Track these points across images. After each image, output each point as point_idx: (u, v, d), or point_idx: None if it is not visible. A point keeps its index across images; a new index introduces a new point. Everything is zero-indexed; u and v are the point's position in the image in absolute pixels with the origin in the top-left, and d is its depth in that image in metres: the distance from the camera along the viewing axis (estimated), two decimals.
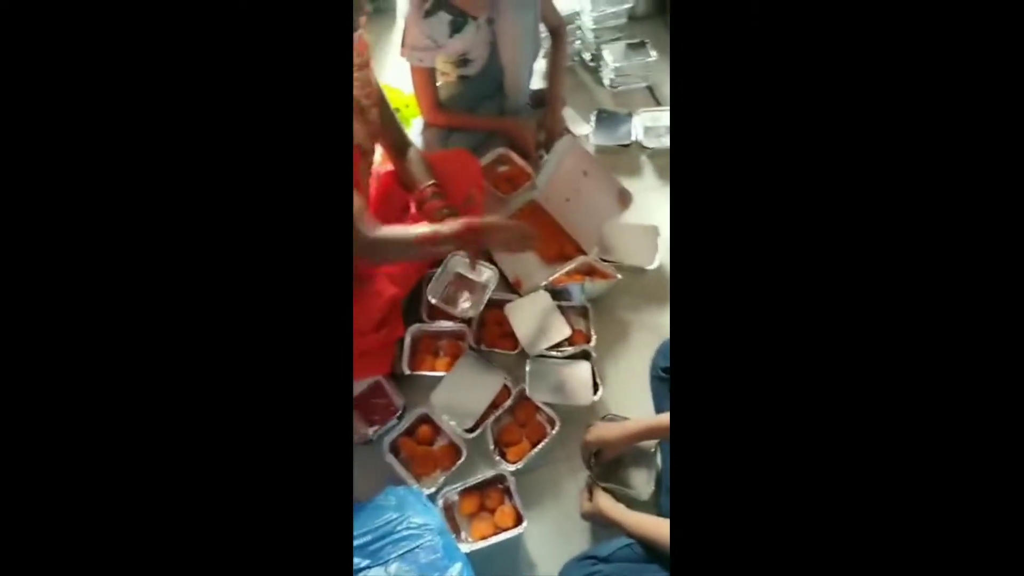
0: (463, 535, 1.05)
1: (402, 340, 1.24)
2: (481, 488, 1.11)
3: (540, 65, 1.66)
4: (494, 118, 1.59)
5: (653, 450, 1.13)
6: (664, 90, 1.83)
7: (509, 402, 1.19)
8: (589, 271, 1.36)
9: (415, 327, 1.27)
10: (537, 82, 1.66)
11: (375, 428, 1.16)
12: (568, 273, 1.34)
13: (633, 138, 1.65)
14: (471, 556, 0.94)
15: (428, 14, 1.33)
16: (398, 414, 1.18)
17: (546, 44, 1.64)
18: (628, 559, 0.91)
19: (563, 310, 1.29)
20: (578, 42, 1.88)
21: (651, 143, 1.64)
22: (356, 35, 1.01)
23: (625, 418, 1.12)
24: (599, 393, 1.20)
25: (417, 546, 0.87)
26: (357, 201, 0.98)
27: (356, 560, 0.85)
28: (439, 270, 1.28)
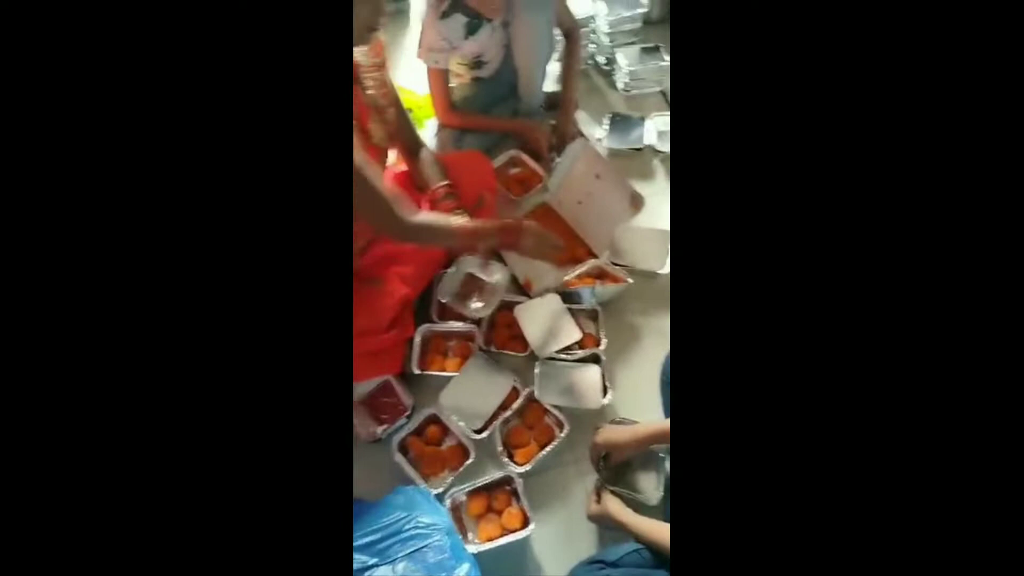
0: (470, 536, 1.05)
1: (412, 340, 1.24)
2: (489, 489, 1.10)
3: (554, 68, 1.66)
4: (507, 120, 1.59)
5: (663, 455, 1.12)
6: None
7: (518, 404, 1.19)
8: (600, 274, 1.36)
9: (425, 327, 1.27)
10: (551, 85, 1.66)
11: (384, 427, 1.16)
12: (579, 276, 1.34)
13: (646, 142, 1.65)
14: (477, 557, 0.94)
15: (444, 16, 1.34)
16: (407, 413, 1.18)
17: (560, 47, 1.64)
18: (636, 564, 0.90)
19: (573, 313, 1.28)
20: (592, 46, 1.88)
21: (664, 147, 1.64)
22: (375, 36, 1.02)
23: (634, 422, 1.11)
24: (608, 397, 1.20)
25: (425, 545, 0.87)
26: (394, 189, 1.02)
27: (364, 558, 0.86)
28: (451, 270, 1.28)
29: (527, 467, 1.11)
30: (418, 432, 1.17)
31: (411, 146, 1.26)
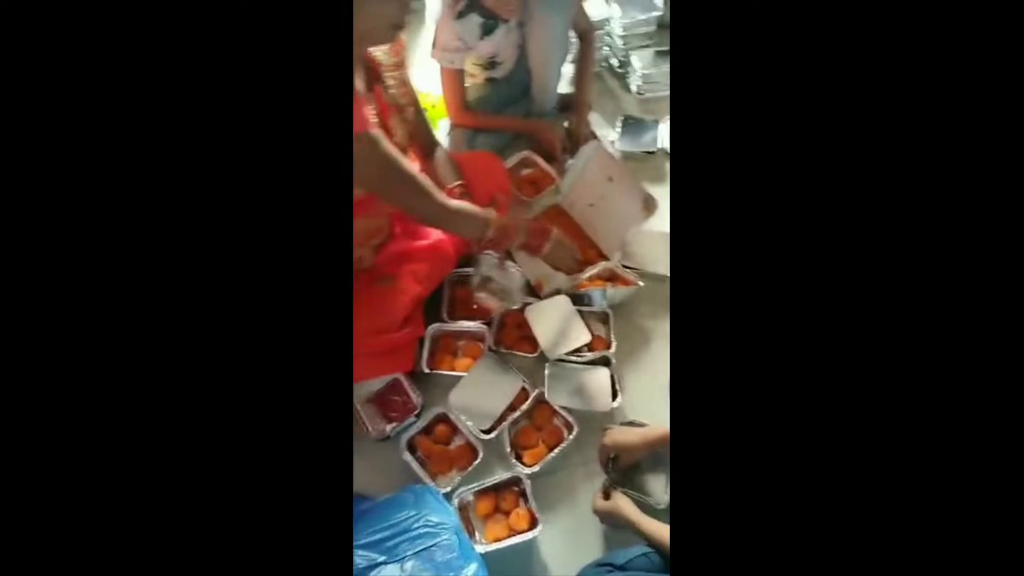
0: (477, 536, 1.05)
1: (422, 339, 1.25)
2: (497, 490, 1.10)
3: (568, 69, 1.66)
4: (520, 120, 1.59)
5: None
6: None
7: (527, 405, 1.19)
8: (611, 277, 1.36)
9: (435, 326, 1.27)
10: (564, 86, 1.66)
11: (393, 425, 1.16)
12: (590, 278, 1.34)
13: (659, 145, 1.65)
14: (485, 557, 0.94)
15: (460, 16, 1.34)
16: (416, 412, 1.18)
17: (574, 49, 1.64)
18: (645, 568, 0.90)
19: (584, 315, 1.28)
20: (606, 48, 1.88)
21: None
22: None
23: (644, 424, 1.11)
24: (618, 400, 1.19)
25: (433, 544, 0.87)
26: (430, 175, 1.03)
27: (372, 555, 0.86)
28: (474, 268, 1.28)
29: (535, 468, 1.11)
30: (427, 431, 1.18)
31: (427, 146, 1.26)
